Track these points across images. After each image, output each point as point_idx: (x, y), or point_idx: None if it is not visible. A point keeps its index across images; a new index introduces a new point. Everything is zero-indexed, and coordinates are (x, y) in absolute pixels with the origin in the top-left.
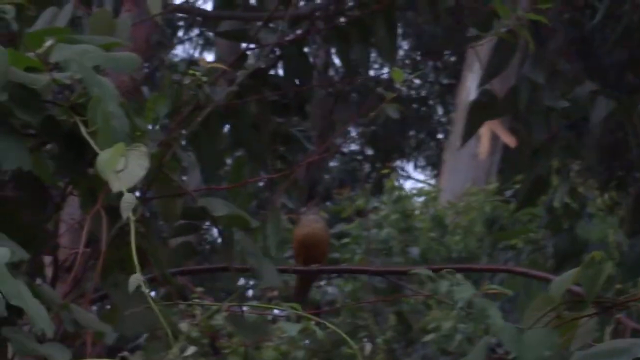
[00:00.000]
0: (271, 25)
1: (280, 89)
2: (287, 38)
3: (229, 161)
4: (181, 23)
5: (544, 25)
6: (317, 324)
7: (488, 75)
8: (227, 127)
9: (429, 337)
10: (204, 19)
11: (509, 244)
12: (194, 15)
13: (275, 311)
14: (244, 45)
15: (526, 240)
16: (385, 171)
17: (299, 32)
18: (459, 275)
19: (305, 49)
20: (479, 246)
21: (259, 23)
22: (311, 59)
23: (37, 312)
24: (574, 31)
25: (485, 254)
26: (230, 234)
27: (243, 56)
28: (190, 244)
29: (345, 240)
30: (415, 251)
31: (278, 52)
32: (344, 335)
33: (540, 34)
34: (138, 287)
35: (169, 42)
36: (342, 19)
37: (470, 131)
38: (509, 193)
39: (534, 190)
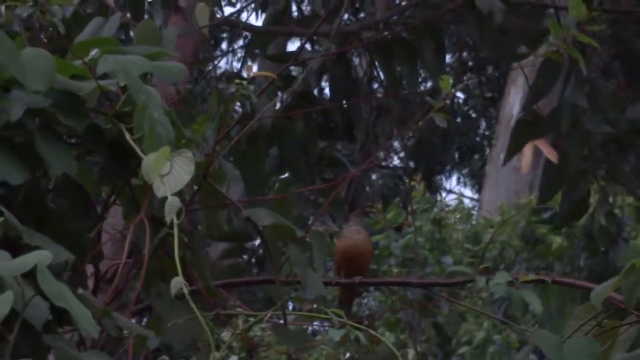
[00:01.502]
0: (315, 38)
1: (325, 108)
2: (331, 51)
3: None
4: (224, 35)
5: (589, 45)
6: (360, 332)
7: (534, 96)
8: (273, 149)
9: (462, 350)
10: (252, 34)
11: (544, 260)
12: (240, 29)
13: (315, 323)
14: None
15: (560, 259)
16: (413, 183)
17: (343, 48)
18: None
19: (350, 65)
20: (514, 260)
21: (304, 39)
22: (354, 73)
23: (81, 314)
24: (618, 46)
25: (522, 267)
26: (275, 247)
27: (287, 73)
28: (238, 265)
29: (376, 252)
30: (448, 260)
31: (320, 67)
32: (387, 343)
33: (585, 53)
34: (181, 297)
35: (212, 54)
36: (387, 34)
37: (514, 149)
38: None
39: (574, 211)
